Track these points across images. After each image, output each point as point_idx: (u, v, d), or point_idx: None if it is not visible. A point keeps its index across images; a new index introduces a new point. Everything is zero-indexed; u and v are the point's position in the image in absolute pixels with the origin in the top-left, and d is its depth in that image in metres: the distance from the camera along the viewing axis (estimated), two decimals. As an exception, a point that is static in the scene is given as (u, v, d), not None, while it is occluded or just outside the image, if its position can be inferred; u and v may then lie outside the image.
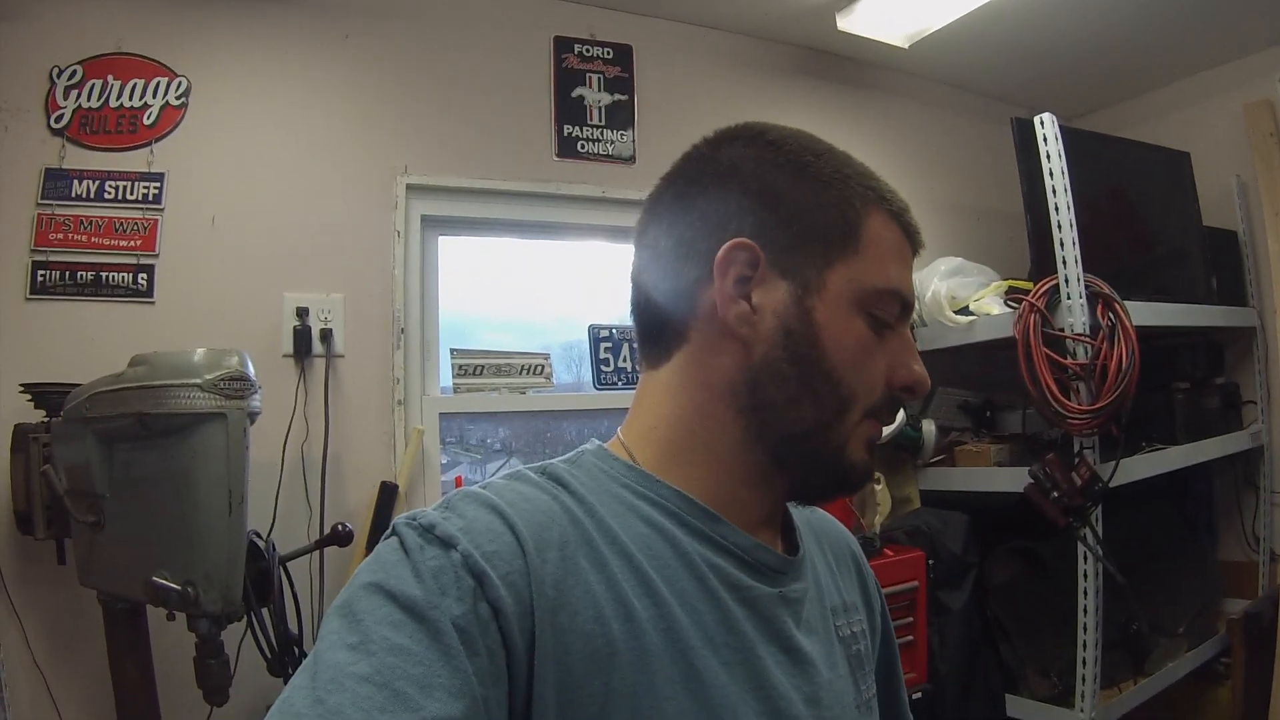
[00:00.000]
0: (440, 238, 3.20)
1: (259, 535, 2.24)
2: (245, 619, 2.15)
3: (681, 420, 0.90)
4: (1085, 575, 2.74)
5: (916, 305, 3.36)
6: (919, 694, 2.85)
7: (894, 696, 1.14)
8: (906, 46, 3.52)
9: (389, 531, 0.78)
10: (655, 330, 0.93)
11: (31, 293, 2.50)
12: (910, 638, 2.87)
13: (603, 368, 3.28)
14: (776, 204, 0.87)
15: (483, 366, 3.09)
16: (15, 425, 2.29)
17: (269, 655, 2.21)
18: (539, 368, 3.18)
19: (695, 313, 0.89)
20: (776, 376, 0.85)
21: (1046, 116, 2.89)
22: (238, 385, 1.97)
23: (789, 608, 0.89)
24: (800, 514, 1.05)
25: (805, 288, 0.86)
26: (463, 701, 0.65)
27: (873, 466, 0.91)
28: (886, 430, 2.97)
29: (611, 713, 0.73)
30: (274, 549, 2.25)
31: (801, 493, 0.94)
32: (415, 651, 0.66)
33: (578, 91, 3.34)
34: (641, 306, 0.95)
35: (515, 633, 0.71)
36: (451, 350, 3.08)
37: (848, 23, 3.34)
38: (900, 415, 3.25)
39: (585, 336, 3.35)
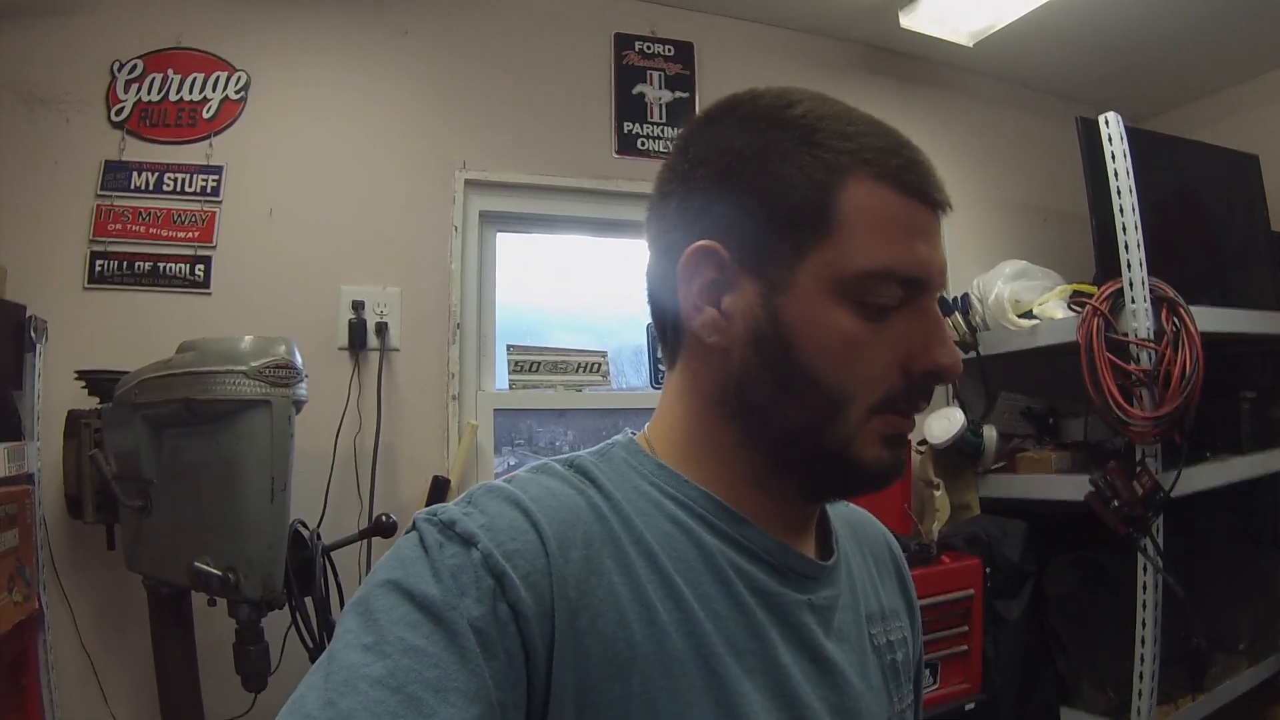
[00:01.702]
0: (500, 234, 3.22)
1: (304, 524, 2.26)
2: (289, 608, 2.16)
3: (687, 425, 0.87)
4: (1144, 587, 2.67)
5: (979, 308, 3.35)
6: (972, 705, 2.79)
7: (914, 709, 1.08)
8: (970, 44, 3.47)
9: (409, 526, 0.76)
10: (662, 335, 0.91)
11: (89, 282, 2.56)
12: (965, 647, 2.81)
13: (660, 367, 3.26)
14: (739, 194, 0.81)
15: (539, 363, 3.09)
16: (69, 411, 2.34)
17: (311, 645, 2.22)
18: (596, 365, 3.18)
19: (684, 319, 0.85)
20: (755, 382, 0.81)
21: (1111, 116, 2.82)
22: (283, 373, 1.99)
23: (818, 615, 0.85)
24: (841, 515, 1.01)
25: (772, 286, 0.79)
26: (478, 706, 0.63)
27: (894, 462, 0.83)
28: (945, 436, 2.93)
29: (632, 717, 0.71)
30: (319, 538, 2.26)
31: (815, 493, 0.88)
32: (431, 653, 0.64)
33: (638, 88, 3.34)
34: (651, 311, 0.92)
35: (535, 635, 0.69)
36: (508, 346, 3.09)
37: (910, 20, 3.30)
38: (960, 420, 3.20)
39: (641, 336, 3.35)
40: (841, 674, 0.84)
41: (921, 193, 0.80)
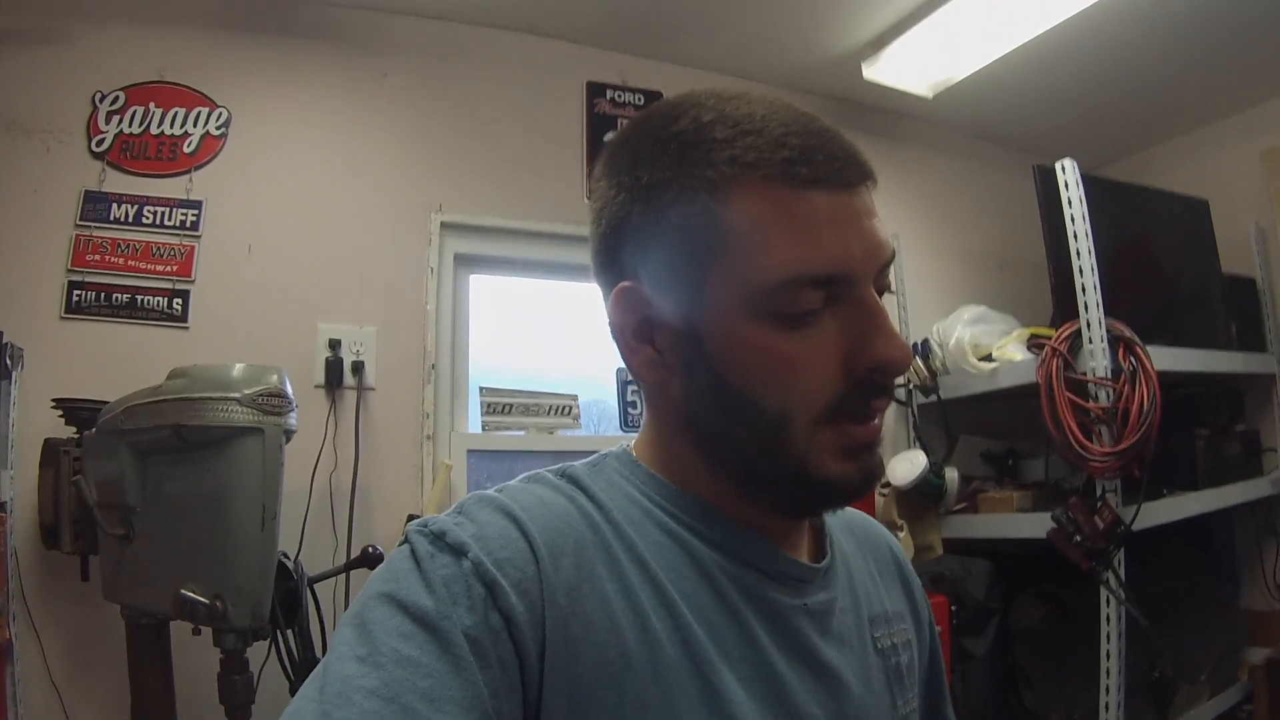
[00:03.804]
0: (472, 277, 3.24)
1: (287, 556, 2.23)
2: (270, 639, 2.14)
3: (663, 450, 0.88)
4: (1108, 619, 2.71)
5: (939, 352, 3.41)
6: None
7: (938, 710, 1.09)
8: (931, 96, 3.58)
9: (402, 538, 0.77)
10: (629, 369, 0.89)
11: (66, 312, 2.54)
12: (932, 684, 2.84)
13: (630, 410, 3.29)
14: (640, 231, 0.79)
15: (511, 405, 3.10)
16: (46, 439, 2.30)
17: (292, 677, 2.20)
18: (567, 408, 3.19)
19: (625, 361, 0.87)
20: (702, 412, 0.81)
21: (1068, 162, 2.92)
22: (276, 402, 1.98)
23: (814, 619, 0.84)
24: (839, 518, 1.02)
25: (691, 316, 0.77)
26: (473, 715, 0.64)
27: (861, 474, 0.79)
28: (908, 478, 2.96)
29: None
30: (302, 569, 2.24)
31: (789, 511, 0.86)
32: (425, 663, 0.65)
33: (609, 136, 3.36)
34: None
35: (528, 642, 0.69)
36: (481, 388, 3.09)
37: (873, 72, 3.39)
38: (923, 462, 3.25)
39: (604, 395, 3.40)
40: (839, 679, 0.84)
41: (821, 180, 0.74)
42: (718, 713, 0.74)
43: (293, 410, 2.06)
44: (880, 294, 0.79)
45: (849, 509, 1.05)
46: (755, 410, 0.76)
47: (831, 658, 0.84)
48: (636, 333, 0.82)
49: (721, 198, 0.74)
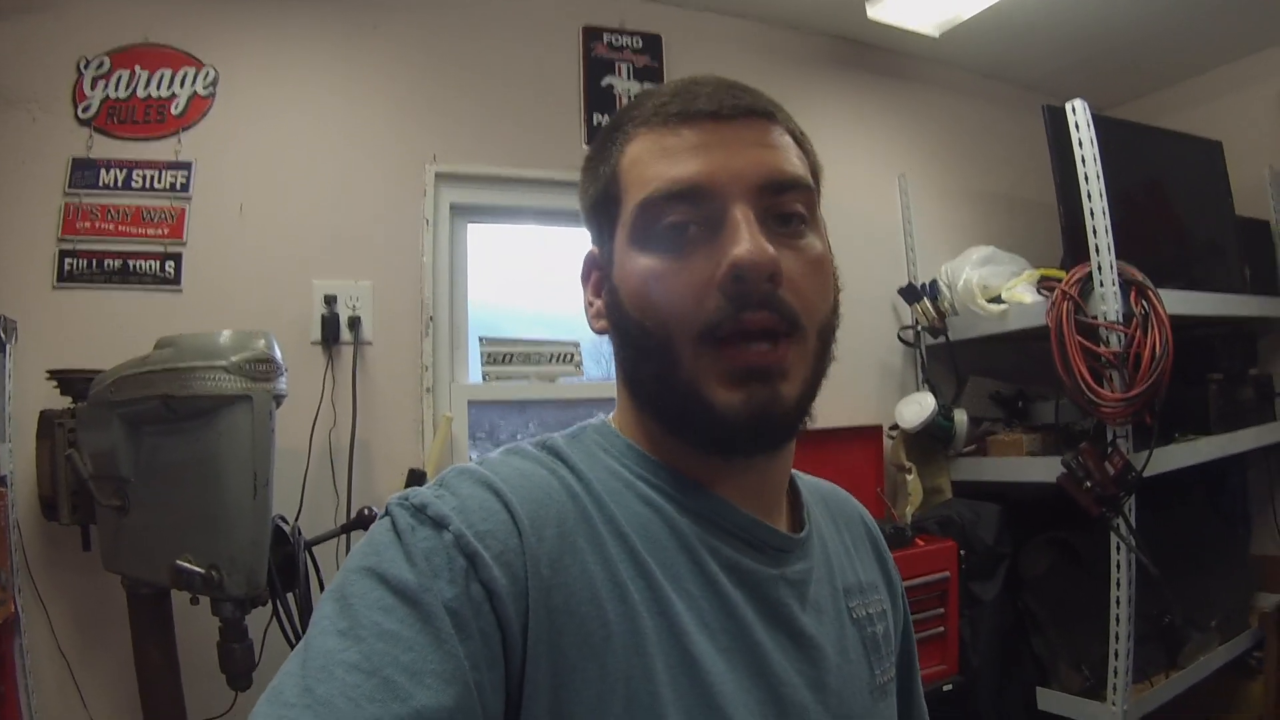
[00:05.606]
0: (470, 226, 3.20)
1: (284, 519, 2.24)
2: (271, 604, 2.15)
3: (630, 419, 0.90)
4: (1118, 566, 2.70)
5: (947, 293, 3.37)
6: (950, 686, 2.82)
7: (909, 681, 1.09)
8: (937, 35, 3.48)
9: (383, 511, 0.77)
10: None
11: (59, 281, 2.53)
12: (941, 629, 2.85)
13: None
14: (585, 201, 0.92)
15: (512, 355, 3.07)
16: (41, 411, 2.29)
17: (294, 642, 2.20)
18: (569, 355, 3.16)
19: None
20: (623, 355, 0.87)
21: (1078, 103, 2.85)
22: (263, 367, 1.98)
23: (792, 589, 0.86)
24: (812, 489, 1.03)
25: (608, 261, 0.87)
26: (455, 687, 0.64)
27: (747, 406, 0.78)
28: (916, 420, 2.95)
29: (607, 696, 0.71)
30: (300, 534, 2.25)
31: (704, 446, 0.84)
32: (406, 637, 0.65)
33: (607, 80, 3.33)
34: None
35: (510, 613, 0.69)
36: (480, 338, 3.06)
37: (877, 11, 3.30)
38: (931, 404, 3.22)
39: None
40: (818, 648, 0.85)
41: (694, 114, 0.82)
42: (697, 683, 0.75)
43: (282, 375, 2.05)
44: (790, 221, 0.82)
45: (822, 481, 1.09)
46: (644, 334, 0.81)
47: (810, 627, 0.86)
48: (594, 290, 0.92)
49: (619, 153, 0.86)
